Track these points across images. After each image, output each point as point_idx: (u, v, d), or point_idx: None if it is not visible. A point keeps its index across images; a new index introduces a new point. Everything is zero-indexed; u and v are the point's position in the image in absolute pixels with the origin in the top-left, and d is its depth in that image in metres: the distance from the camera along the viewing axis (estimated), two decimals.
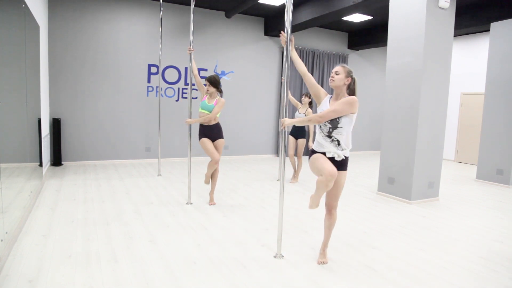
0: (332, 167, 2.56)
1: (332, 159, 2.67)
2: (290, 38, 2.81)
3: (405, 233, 3.65)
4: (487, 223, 4.09)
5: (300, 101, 5.89)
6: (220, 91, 4.24)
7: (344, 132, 2.63)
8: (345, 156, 2.69)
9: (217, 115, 4.22)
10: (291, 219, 3.91)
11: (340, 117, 2.60)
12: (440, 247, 3.29)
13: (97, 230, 3.38)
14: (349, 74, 2.65)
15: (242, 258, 2.89)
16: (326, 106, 2.69)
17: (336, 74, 2.65)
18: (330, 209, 2.81)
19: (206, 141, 4.22)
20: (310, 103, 5.72)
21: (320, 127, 2.71)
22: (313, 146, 2.79)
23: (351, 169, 7.39)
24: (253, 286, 2.45)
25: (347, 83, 2.65)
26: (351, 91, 2.68)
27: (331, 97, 2.74)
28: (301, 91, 8.80)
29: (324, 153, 2.69)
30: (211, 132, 4.24)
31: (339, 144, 2.65)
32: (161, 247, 3.04)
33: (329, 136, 2.66)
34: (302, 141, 5.79)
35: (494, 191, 5.75)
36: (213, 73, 4.28)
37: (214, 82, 4.16)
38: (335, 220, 2.85)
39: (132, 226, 3.52)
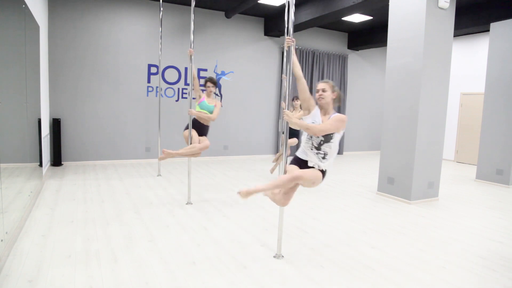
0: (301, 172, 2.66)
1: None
2: (292, 40, 2.89)
3: (404, 233, 3.65)
4: (486, 223, 4.09)
5: (291, 105, 5.80)
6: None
7: (333, 146, 2.75)
8: (324, 169, 2.80)
9: None
10: (291, 219, 3.91)
11: (334, 133, 2.74)
12: (439, 247, 3.29)
13: (97, 230, 3.38)
14: (333, 89, 2.80)
15: (242, 258, 2.89)
16: (318, 118, 2.78)
17: (324, 91, 2.76)
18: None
19: (194, 132, 4.46)
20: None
21: (311, 137, 2.78)
22: (297, 152, 2.90)
23: (351, 169, 7.41)
24: (253, 286, 2.45)
25: (334, 97, 2.80)
26: (339, 103, 2.87)
27: (319, 110, 2.83)
28: None
29: (306, 161, 2.80)
30: (201, 129, 4.53)
31: (324, 157, 2.75)
32: (160, 247, 3.04)
33: (318, 148, 2.74)
34: (292, 141, 5.73)
35: (493, 191, 5.75)
36: (214, 74, 4.52)
37: (216, 83, 4.61)
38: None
39: (132, 226, 3.53)
